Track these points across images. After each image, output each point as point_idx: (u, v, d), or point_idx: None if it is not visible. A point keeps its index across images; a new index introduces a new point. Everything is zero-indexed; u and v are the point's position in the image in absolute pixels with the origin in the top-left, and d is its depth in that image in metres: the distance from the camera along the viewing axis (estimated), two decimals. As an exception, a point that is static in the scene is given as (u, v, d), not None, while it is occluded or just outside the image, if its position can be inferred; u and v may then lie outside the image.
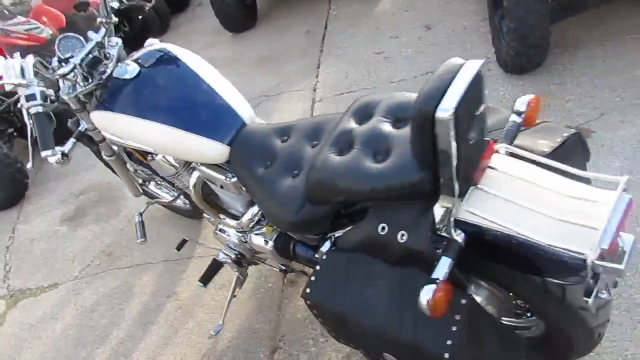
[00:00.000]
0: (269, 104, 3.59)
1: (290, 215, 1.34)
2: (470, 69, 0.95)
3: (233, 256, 1.87)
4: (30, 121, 1.47)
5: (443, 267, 1.00)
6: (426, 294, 0.96)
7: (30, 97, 1.47)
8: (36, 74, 1.56)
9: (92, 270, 2.67)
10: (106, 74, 1.68)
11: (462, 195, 1.04)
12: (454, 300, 1.02)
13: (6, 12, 4.31)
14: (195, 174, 1.70)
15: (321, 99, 3.38)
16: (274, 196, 1.39)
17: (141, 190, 2.22)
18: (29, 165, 1.67)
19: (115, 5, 1.88)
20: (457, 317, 1.03)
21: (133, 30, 5.33)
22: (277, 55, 4.29)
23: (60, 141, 1.61)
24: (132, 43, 5.54)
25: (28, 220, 3.32)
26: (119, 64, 1.68)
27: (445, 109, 0.89)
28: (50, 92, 1.53)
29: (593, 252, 0.90)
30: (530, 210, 0.98)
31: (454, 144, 0.92)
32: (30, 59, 1.53)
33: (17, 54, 1.54)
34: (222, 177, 1.61)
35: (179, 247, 2.04)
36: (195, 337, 2.12)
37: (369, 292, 1.14)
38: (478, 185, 1.06)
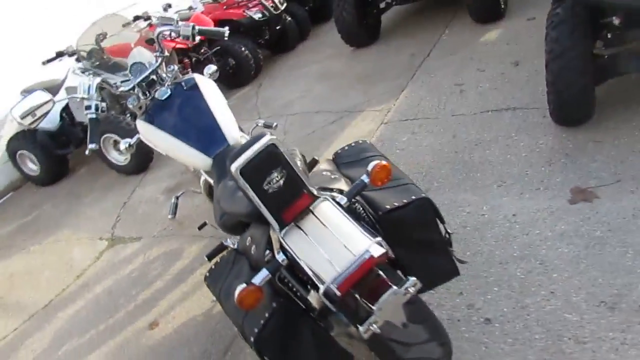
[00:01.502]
0: (345, 120, 3.98)
1: (218, 220, 1.78)
2: (262, 142, 1.28)
3: (232, 243, 2.37)
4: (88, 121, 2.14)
5: (260, 276, 1.35)
6: (236, 291, 1.33)
7: (88, 107, 2.13)
8: (103, 89, 2.22)
9: (165, 232, 3.42)
10: (152, 95, 2.29)
11: (283, 227, 1.37)
12: (265, 302, 1.38)
13: (173, 19, 5.36)
14: (202, 177, 2.23)
15: (387, 122, 3.68)
16: (216, 204, 1.84)
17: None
18: (86, 152, 2.35)
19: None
20: (266, 314, 1.38)
21: (272, 38, 6.12)
22: (376, 73, 4.64)
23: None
24: (272, 49, 6.37)
25: (144, 186, 4.26)
26: (160, 87, 2.27)
27: (234, 166, 1.25)
28: (103, 105, 2.18)
29: (324, 287, 1.20)
30: (317, 249, 1.29)
31: (250, 191, 1.27)
32: (97, 80, 2.19)
33: (90, 76, 2.22)
34: (211, 181, 2.10)
35: (200, 227, 2.61)
36: (205, 299, 2.68)
37: (235, 284, 1.53)
38: (297, 224, 1.38)
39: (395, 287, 1.25)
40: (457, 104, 3.52)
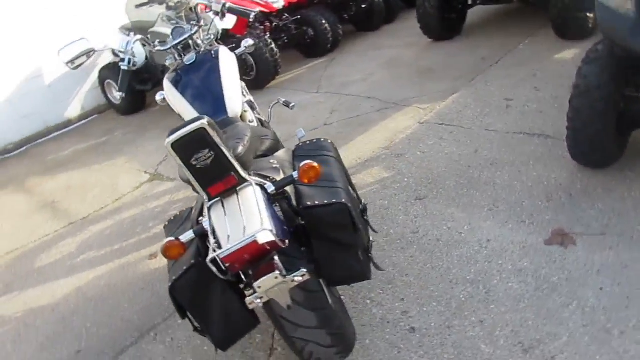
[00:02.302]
0: (389, 111, 4.04)
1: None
2: (194, 125, 1.46)
3: None
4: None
5: (186, 235, 1.57)
6: (164, 241, 1.57)
7: (122, 60, 2.43)
8: (144, 45, 2.51)
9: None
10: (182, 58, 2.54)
11: (210, 200, 1.58)
12: (188, 257, 1.61)
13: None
14: None
15: (424, 122, 3.70)
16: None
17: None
18: (118, 94, 2.67)
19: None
20: (184, 267, 1.61)
21: (357, 15, 6.18)
22: (440, 70, 4.61)
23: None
24: (356, 25, 6.43)
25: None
26: (188, 53, 2.52)
27: (167, 141, 1.46)
28: (136, 60, 2.47)
29: (212, 255, 1.40)
30: (226, 224, 1.48)
31: (178, 161, 1.48)
32: (135, 38, 2.48)
33: (132, 34, 2.51)
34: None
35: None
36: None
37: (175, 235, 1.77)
38: (223, 199, 1.57)
39: (276, 272, 1.42)
40: (496, 118, 3.46)
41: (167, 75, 2.52)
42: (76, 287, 2.91)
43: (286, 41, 5.69)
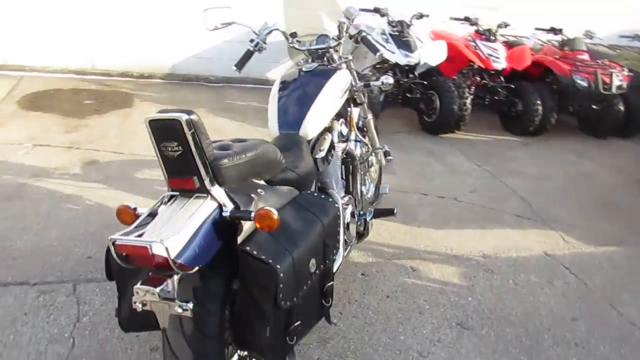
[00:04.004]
0: (526, 223, 3.44)
1: None
2: (174, 114, 1.37)
3: None
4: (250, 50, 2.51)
5: (142, 209, 1.56)
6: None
7: (252, 41, 2.48)
8: (292, 42, 2.51)
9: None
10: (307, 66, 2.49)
11: (169, 189, 1.52)
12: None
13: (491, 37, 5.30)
14: None
15: (551, 255, 3.05)
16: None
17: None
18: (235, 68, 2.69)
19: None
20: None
21: (583, 112, 5.41)
22: (626, 211, 3.77)
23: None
24: (581, 123, 5.61)
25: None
26: (310, 62, 2.46)
27: (147, 117, 1.41)
28: (261, 45, 2.49)
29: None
30: (158, 218, 1.42)
31: (152, 140, 1.44)
32: (272, 27, 2.48)
33: (266, 22, 2.52)
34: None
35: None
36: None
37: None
38: (178, 196, 1.50)
39: (156, 289, 1.31)
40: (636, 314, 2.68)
41: (283, 74, 2.53)
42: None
43: (486, 103, 5.28)
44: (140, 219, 1.45)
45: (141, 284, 1.35)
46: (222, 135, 1.78)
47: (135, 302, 1.38)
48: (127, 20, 5.73)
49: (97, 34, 5.71)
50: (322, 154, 2.22)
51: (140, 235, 1.35)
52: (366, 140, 2.85)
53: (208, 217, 1.44)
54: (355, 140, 2.73)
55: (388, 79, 2.63)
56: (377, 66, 5.12)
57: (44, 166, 3.42)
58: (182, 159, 1.44)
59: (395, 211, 2.63)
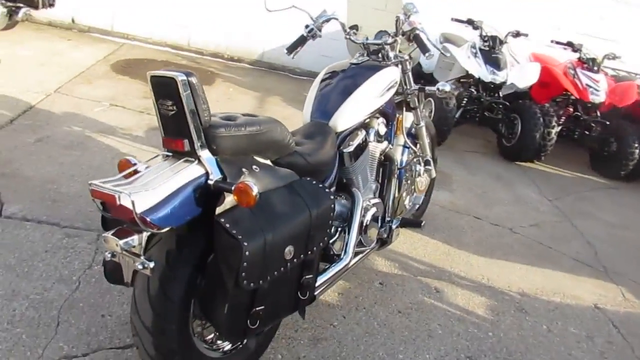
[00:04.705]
0: (585, 271, 3.09)
1: None
2: (174, 73, 1.35)
3: None
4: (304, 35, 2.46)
5: (141, 162, 1.58)
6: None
7: (307, 26, 2.42)
8: (348, 34, 2.45)
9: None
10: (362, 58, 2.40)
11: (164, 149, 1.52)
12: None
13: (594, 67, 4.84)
14: None
15: (601, 308, 2.71)
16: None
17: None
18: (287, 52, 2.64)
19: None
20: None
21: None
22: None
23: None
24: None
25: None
26: (365, 56, 2.36)
27: (150, 72, 1.41)
28: (315, 32, 2.42)
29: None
30: (147, 172, 1.42)
31: (152, 97, 1.44)
32: (331, 17, 2.42)
33: (325, 10, 2.44)
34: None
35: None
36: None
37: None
38: (170, 156, 1.49)
39: (120, 241, 1.31)
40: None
41: (332, 64, 2.47)
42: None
43: (576, 137, 4.84)
44: (128, 170, 1.46)
45: (111, 234, 1.36)
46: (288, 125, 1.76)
47: (105, 252, 1.40)
48: (226, 4, 5.95)
49: (197, 13, 5.98)
50: (350, 149, 2.13)
51: (118, 186, 1.36)
52: (416, 148, 2.70)
53: (191, 181, 1.42)
54: (404, 146, 2.60)
55: (445, 86, 2.49)
56: (462, 80, 4.90)
57: (112, 125, 3.63)
58: (176, 119, 1.43)
59: (422, 224, 2.46)
